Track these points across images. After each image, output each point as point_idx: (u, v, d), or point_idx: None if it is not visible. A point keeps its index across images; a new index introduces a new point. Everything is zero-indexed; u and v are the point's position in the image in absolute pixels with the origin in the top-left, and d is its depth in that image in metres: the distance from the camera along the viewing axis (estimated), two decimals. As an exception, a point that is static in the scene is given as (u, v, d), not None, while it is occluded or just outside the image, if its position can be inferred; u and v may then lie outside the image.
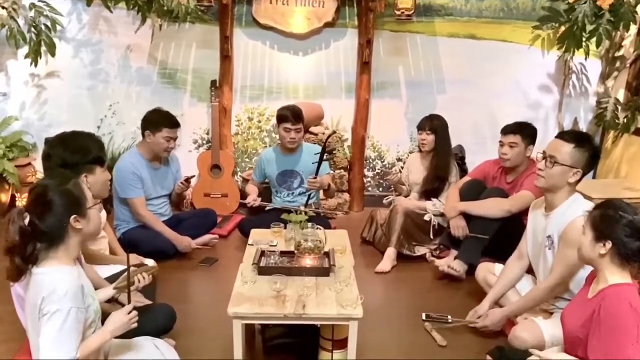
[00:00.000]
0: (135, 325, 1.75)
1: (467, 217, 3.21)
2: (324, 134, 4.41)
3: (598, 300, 1.72)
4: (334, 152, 4.47)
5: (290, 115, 3.53)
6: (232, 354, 2.02)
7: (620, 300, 1.66)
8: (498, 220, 3.07)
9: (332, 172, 3.97)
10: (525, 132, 3.14)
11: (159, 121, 3.35)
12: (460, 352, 2.50)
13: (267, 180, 3.86)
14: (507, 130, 3.18)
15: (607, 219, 1.74)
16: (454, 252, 3.31)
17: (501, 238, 3.03)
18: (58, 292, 1.54)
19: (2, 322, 2.54)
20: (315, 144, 4.19)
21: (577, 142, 2.26)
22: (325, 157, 3.58)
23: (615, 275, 1.74)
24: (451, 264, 3.18)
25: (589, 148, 2.27)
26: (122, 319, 1.70)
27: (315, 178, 3.49)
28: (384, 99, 4.60)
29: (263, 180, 3.87)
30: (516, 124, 3.21)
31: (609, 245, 1.72)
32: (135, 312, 1.73)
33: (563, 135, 2.34)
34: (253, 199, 3.63)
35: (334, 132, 4.27)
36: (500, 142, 3.20)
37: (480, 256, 3.08)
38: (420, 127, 3.62)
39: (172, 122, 3.39)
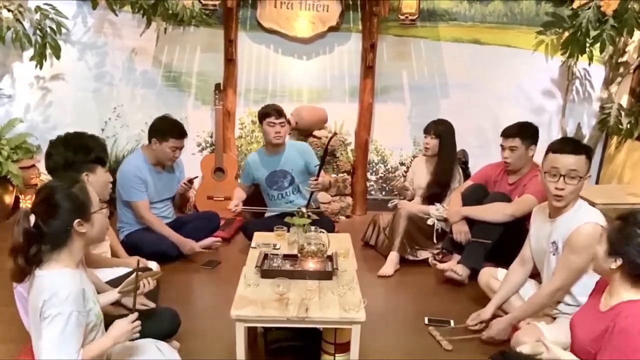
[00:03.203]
0: (137, 335, 1.75)
1: (470, 221, 3.21)
2: (327, 137, 4.41)
3: (612, 316, 1.67)
4: (335, 154, 4.47)
5: (271, 111, 3.58)
6: (235, 356, 2.03)
7: (634, 319, 1.61)
8: (501, 224, 3.07)
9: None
10: (525, 133, 3.12)
11: (166, 130, 3.34)
12: (463, 356, 2.49)
13: (256, 182, 3.86)
14: (507, 134, 3.17)
15: (621, 234, 1.69)
16: (457, 257, 3.30)
17: (504, 243, 3.03)
18: (59, 296, 1.54)
19: (4, 322, 2.54)
20: (318, 147, 4.21)
21: (585, 152, 2.25)
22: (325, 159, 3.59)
23: (629, 291, 1.68)
24: (454, 267, 3.19)
25: (589, 151, 2.29)
26: (125, 326, 1.70)
27: (317, 179, 3.51)
28: (387, 102, 4.60)
29: (251, 184, 3.87)
30: (515, 125, 3.19)
31: (619, 261, 1.68)
32: (138, 322, 1.73)
33: (569, 149, 2.25)
34: (235, 205, 3.62)
35: (335, 134, 4.26)
36: (501, 145, 3.20)
37: (483, 260, 3.08)
38: (426, 131, 3.64)
39: (179, 132, 3.38)
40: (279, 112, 3.59)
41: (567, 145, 2.28)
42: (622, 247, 1.68)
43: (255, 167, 3.76)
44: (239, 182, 3.93)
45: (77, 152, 2.26)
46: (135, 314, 1.74)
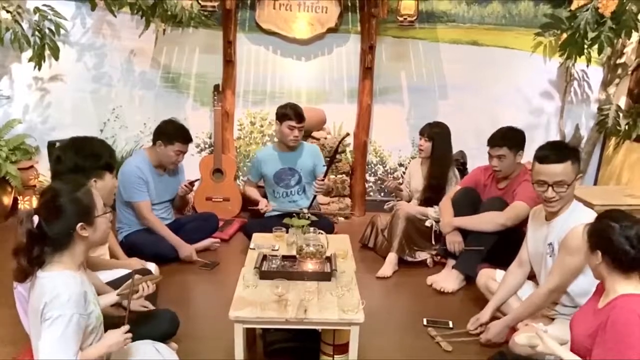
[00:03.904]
0: (130, 341, 1.75)
1: (464, 229, 3.20)
2: (325, 138, 4.42)
3: (607, 311, 1.69)
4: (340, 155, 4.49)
5: (293, 114, 3.58)
6: (234, 357, 2.03)
7: (629, 312, 1.62)
8: (494, 233, 3.06)
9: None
10: (511, 142, 3.07)
11: (173, 134, 3.34)
12: (462, 357, 2.50)
13: (260, 183, 3.86)
14: (493, 143, 3.12)
15: (596, 229, 1.76)
16: (452, 262, 3.28)
17: (501, 245, 3.02)
18: (61, 298, 1.55)
19: (4, 324, 2.54)
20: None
21: (570, 157, 2.24)
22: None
23: (623, 286, 1.70)
24: (443, 285, 3.17)
25: (575, 154, 2.28)
26: (117, 337, 1.70)
27: (323, 180, 3.50)
28: (386, 104, 4.61)
29: (259, 181, 3.88)
30: (500, 134, 3.14)
31: (599, 254, 1.73)
32: (129, 334, 1.72)
33: (553, 158, 2.24)
34: (265, 205, 3.64)
35: (347, 134, 4.23)
36: (489, 153, 3.16)
37: (477, 266, 3.05)
38: (420, 133, 3.64)
39: (185, 137, 3.39)
40: (300, 117, 3.59)
41: (551, 154, 2.26)
42: (599, 240, 1.74)
43: (265, 161, 3.74)
44: (248, 180, 3.89)
45: (87, 158, 2.25)
46: (127, 327, 1.74)
